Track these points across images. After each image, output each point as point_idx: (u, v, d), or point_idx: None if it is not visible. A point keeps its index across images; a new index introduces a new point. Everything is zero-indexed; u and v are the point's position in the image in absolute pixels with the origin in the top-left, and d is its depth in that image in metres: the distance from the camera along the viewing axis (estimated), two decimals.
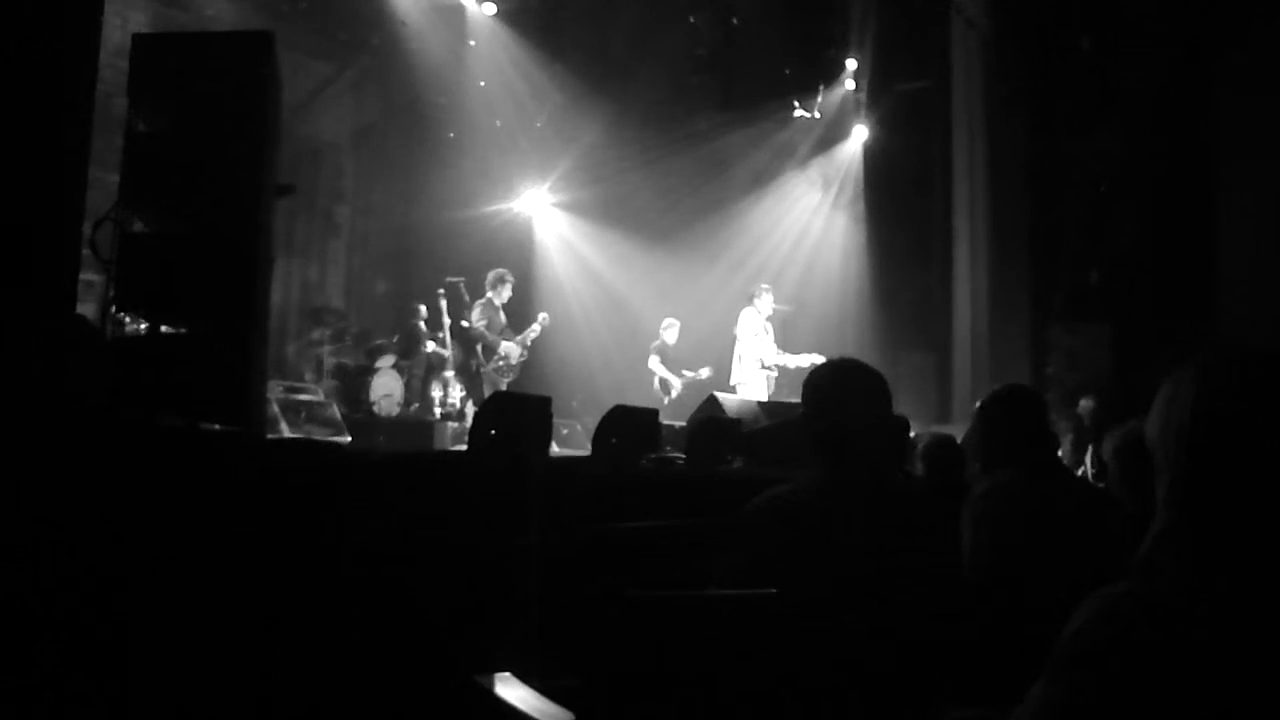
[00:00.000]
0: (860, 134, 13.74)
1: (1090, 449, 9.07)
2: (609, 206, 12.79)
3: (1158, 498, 1.32)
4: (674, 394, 10.16)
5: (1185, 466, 1.27)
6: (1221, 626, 1.17)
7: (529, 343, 9.63)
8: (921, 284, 13.04)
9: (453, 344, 10.14)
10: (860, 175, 13.85)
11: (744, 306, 9.95)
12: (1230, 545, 1.22)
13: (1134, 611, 1.23)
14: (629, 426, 5.28)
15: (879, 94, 13.43)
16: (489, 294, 9.53)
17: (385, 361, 10.07)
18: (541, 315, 9.84)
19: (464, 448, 5.89)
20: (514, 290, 9.81)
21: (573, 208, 12.92)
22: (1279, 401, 1.22)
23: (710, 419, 6.29)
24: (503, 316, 9.59)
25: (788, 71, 13.20)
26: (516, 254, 12.01)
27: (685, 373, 10.28)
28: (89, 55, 3.42)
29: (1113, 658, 1.20)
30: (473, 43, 11.72)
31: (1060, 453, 7.08)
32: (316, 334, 10.41)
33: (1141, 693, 1.17)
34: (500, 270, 9.69)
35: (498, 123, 12.16)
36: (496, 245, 11.77)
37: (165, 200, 4.04)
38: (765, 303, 9.84)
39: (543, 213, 13.00)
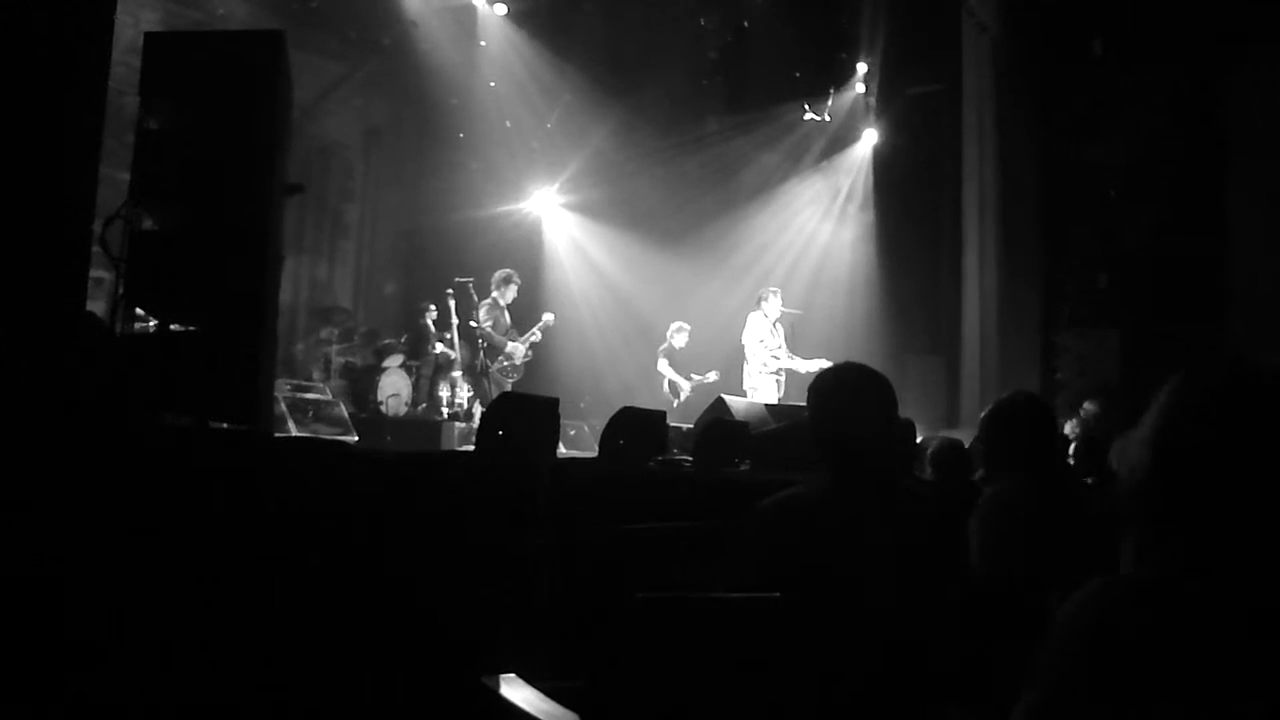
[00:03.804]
0: (870, 137, 13.73)
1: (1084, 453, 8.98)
2: (618, 208, 12.80)
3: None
4: (682, 397, 10.16)
5: (1154, 478, 1.28)
6: (1214, 610, 1.18)
7: (533, 342, 9.62)
8: (930, 288, 13.03)
9: (461, 344, 10.15)
10: (870, 179, 13.83)
11: (751, 310, 9.95)
12: (1205, 545, 1.23)
13: (1127, 595, 1.23)
14: (637, 428, 5.28)
15: (889, 97, 13.43)
16: (494, 294, 9.53)
17: (393, 361, 10.09)
18: (546, 315, 9.81)
19: (471, 448, 5.89)
20: (523, 291, 9.81)
21: (582, 209, 12.93)
22: (1239, 428, 1.23)
23: (718, 421, 6.29)
24: (508, 317, 9.58)
25: (798, 74, 13.20)
26: (525, 255, 12.03)
27: (693, 376, 10.28)
28: (101, 53, 3.43)
29: (1104, 639, 1.20)
30: (483, 43, 11.73)
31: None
32: (325, 333, 10.43)
33: (1132, 675, 1.17)
34: (506, 270, 9.69)
35: (508, 123, 12.17)
36: (505, 246, 11.79)
37: (175, 198, 4.05)
38: (773, 306, 9.83)
39: (552, 214, 13.01)
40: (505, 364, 9.36)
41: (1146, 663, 1.17)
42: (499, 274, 9.64)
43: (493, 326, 9.39)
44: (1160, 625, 1.19)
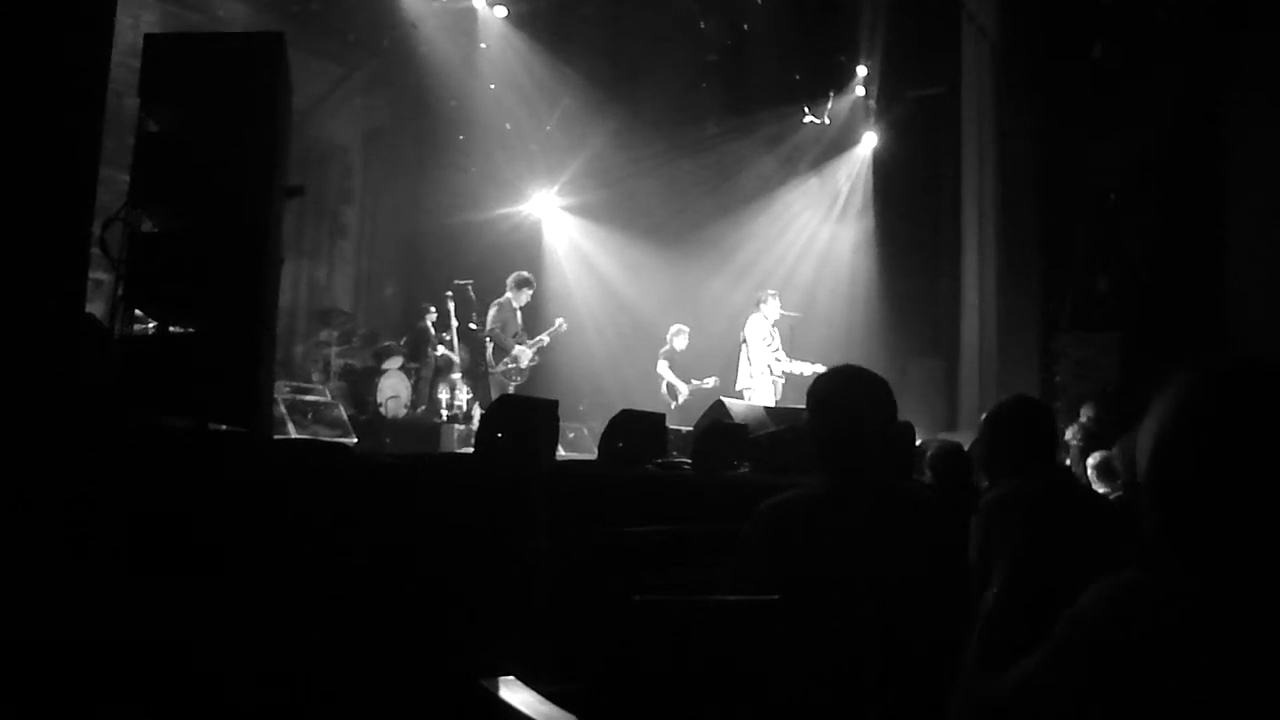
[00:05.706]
0: (870, 140, 13.75)
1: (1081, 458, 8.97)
2: (618, 210, 12.81)
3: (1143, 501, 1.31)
4: (681, 399, 10.16)
5: (1158, 479, 1.27)
6: (1221, 619, 1.18)
7: (541, 347, 9.53)
8: (930, 291, 13.03)
9: (460, 346, 10.13)
10: (869, 182, 13.86)
11: (751, 312, 9.94)
12: (1210, 549, 1.22)
13: (1139, 599, 1.23)
14: (636, 431, 5.28)
15: (889, 100, 13.45)
16: (508, 295, 9.34)
17: (393, 363, 10.08)
18: (558, 320, 9.69)
19: (470, 450, 5.89)
20: None
21: (582, 211, 12.94)
22: (1246, 421, 1.22)
23: (717, 424, 6.28)
24: (520, 319, 9.46)
25: (798, 77, 13.21)
26: (525, 257, 12.03)
27: (692, 380, 10.27)
28: (101, 54, 3.43)
29: (1113, 642, 1.21)
30: (484, 45, 11.74)
31: (1068, 461, 7.04)
32: (324, 335, 10.43)
33: (1138, 679, 1.18)
34: (524, 274, 9.51)
35: (507, 126, 12.19)
36: (505, 248, 11.79)
37: (175, 200, 4.04)
38: (772, 308, 9.81)
39: (551, 216, 13.02)
40: (510, 366, 9.19)
41: (1147, 665, 1.17)
42: (516, 276, 9.44)
43: (502, 327, 9.23)
44: (1161, 629, 1.19)
